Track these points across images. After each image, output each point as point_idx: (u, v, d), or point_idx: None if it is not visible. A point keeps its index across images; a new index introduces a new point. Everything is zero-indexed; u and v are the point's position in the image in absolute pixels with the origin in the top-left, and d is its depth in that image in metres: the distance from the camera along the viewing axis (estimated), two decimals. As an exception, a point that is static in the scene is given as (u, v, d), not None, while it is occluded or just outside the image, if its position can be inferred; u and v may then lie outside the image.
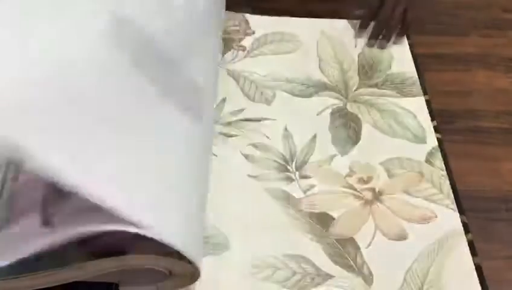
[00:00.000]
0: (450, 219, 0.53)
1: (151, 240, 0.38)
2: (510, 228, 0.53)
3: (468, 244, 0.51)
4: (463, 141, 0.60)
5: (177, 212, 0.41)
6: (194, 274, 0.41)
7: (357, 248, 0.51)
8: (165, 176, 0.42)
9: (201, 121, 0.47)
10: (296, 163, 0.57)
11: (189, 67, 0.49)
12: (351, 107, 0.62)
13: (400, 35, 0.70)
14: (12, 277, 0.39)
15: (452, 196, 0.54)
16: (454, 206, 0.54)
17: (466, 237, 0.51)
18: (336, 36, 0.70)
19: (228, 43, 0.69)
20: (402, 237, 0.52)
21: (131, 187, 0.39)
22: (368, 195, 0.55)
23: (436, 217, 0.53)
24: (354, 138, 0.59)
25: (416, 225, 0.52)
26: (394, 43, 0.70)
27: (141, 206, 0.38)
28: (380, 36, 0.69)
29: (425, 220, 0.53)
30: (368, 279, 0.49)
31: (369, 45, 0.69)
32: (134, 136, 0.41)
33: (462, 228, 0.52)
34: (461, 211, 0.53)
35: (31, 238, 0.38)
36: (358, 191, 0.55)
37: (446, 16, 0.75)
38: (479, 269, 0.49)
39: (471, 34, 0.72)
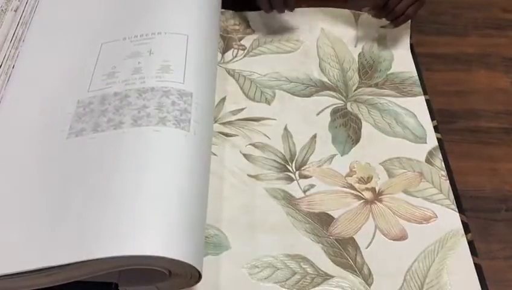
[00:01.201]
0: (450, 219, 0.53)
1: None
2: (510, 228, 0.53)
3: (468, 244, 0.51)
4: (463, 140, 0.60)
5: (179, 229, 0.41)
6: (193, 275, 0.41)
7: (357, 247, 0.51)
8: (163, 196, 0.42)
9: (194, 135, 0.47)
10: (296, 163, 0.57)
11: None
12: (351, 107, 0.62)
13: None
14: (12, 276, 0.39)
15: (452, 196, 0.54)
16: (454, 206, 0.54)
17: (466, 237, 0.51)
18: (336, 36, 0.70)
19: (228, 42, 0.69)
20: (402, 237, 0.52)
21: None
22: (368, 195, 0.55)
23: (436, 217, 0.53)
24: (354, 137, 0.59)
25: (416, 225, 0.52)
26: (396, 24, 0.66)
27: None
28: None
29: (425, 220, 0.53)
30: (368, 279, 0.49)
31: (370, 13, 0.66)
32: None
33: (462, 228, 0.52)
34: (461, 211, 0.53)
35: None
36: (358, 191, 0.55)
37: (446, 16, 0.75)
38: (479, 268, 0.49)
39: (471, 34, 0.72)
